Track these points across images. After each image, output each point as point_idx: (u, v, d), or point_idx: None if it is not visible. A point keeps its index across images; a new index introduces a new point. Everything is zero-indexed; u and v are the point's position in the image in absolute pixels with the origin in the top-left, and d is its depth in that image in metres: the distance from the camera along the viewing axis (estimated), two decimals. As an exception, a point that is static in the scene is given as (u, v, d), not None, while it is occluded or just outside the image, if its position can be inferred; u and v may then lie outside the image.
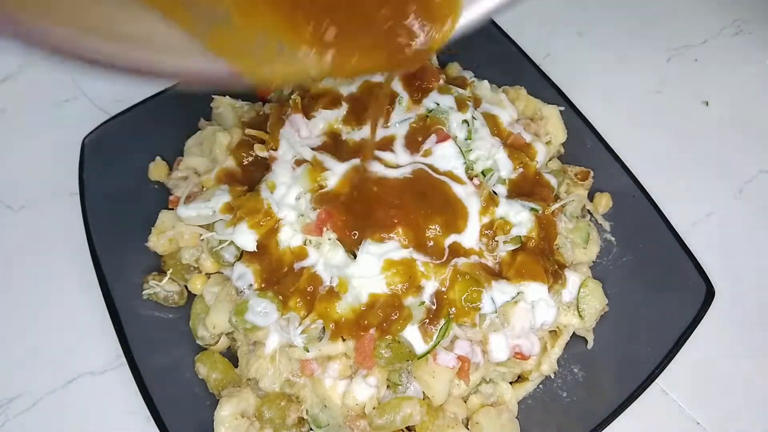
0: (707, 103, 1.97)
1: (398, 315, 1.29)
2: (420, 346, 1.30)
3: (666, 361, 1.39)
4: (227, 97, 1.69)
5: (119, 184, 1.58)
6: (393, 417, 1.28)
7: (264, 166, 1.50)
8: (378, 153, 1.47)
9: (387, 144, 1.50)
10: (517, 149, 1.55)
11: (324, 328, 1.30)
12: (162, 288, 1.47)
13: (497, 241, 1.40)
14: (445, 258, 1.36)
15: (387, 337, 1.29)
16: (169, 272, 1.48)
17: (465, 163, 1.48)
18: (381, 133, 1.53)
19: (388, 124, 1.53)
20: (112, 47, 0.75)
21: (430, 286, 1.34)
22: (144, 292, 1.47)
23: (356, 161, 1.45)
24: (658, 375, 1.38)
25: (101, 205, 1.52)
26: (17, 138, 1.85)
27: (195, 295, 1.50)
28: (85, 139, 1.58)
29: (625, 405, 1.36)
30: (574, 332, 1.48)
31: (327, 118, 1.53)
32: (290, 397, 1.36)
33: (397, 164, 1.47)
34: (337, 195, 1.40)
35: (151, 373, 1.35)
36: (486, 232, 1.41)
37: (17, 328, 1.59)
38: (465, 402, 1.40)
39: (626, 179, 1.59)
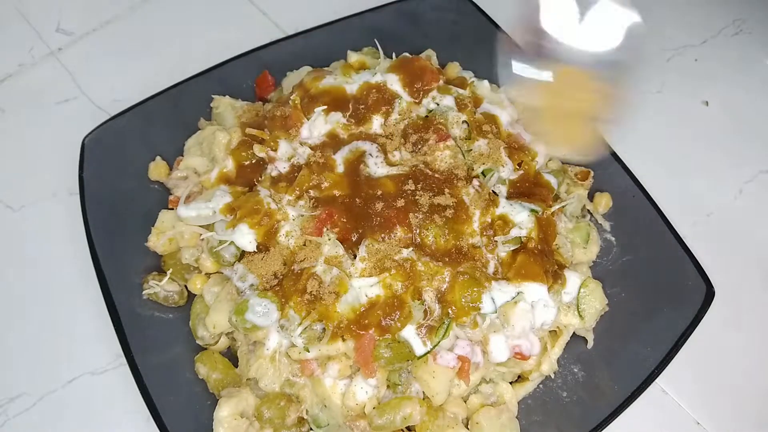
0: (707, 103, 1.97)
1: (398, 315, 1.29)
2: (420, 346, 1.30)
3: (666, 361, 1.39)
4: (227, 96, 1.69)
5: (119, 183, 1.58)
6: (393, 417, 1.28)
7: (263, 166, 1.51)
8: (377, 150, 1.47)
9: (387, 143, 1.50)
10: (517, 149, 1.56)
11: (324, 328, 1.30)
12: (162, 288, 1.47)
13: (497, 242, 1.40)
14: (444, 258, 1.36)
15: (386, 336, 1.29)
16: (169, 272, 1.48)
17: (465, 163, 1.48)
18: (381, 132, 1.53)
19: (388, 123, 1.53)
20: None
21: (430, 287, 1.34)
22: (144, 292, 1.47)
23: (358, 143, 1.45)
24: (658, 375, 1.38)
25: (101, 205, 1.52)
26: (17, 138, 1.85)
27: (195, 295, 1.50)
28: (85, 138, 1.58)
29: (625, 405, 1.36)
30: (574, 332, 1.48)
31: (330, 121, 1.53)
32: (290, 397, 1.36)
33: (396, 162, 1.47)
34: (337, 196, 1.40)
35: (150, 373, 1.35)
36: (486, 232, 1.41)
37: (17, 328, 1.59)
38: (465, 402, 1.40)
39: (626, 179, 1.59)
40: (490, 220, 1.42)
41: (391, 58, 1.70)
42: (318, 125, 1.53)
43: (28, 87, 1.94)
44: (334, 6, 1.94)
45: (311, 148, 1.49)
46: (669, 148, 1.88)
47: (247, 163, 1.52)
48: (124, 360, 1.37)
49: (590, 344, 1.48)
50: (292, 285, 1.32)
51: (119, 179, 1.59)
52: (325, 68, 1.71)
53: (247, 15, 2.10)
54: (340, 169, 1.46)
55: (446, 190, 1.41)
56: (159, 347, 1.42)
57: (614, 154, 1.62)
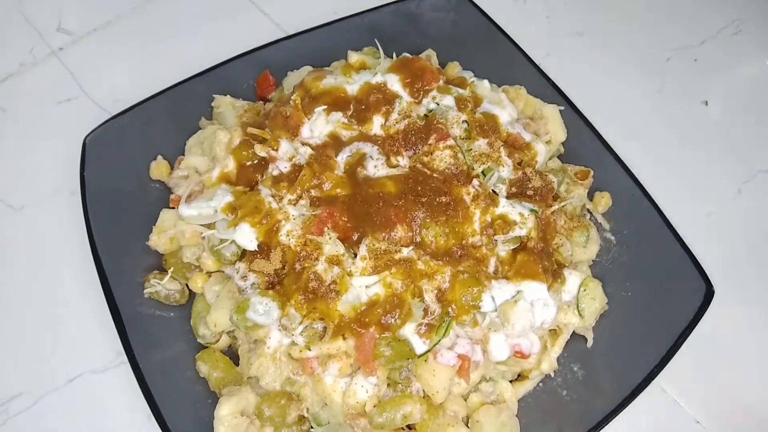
0: (707, 103, 1.97)
1: (398, 313, 1.29)
2: (420, 344, 1.30)
3: (665, 360, 1.39)
4: (228, 96, 1.70)
5: (120, 183, 1.58)
6: (393, 415, 1.29)
7: (264, 165, 1.51)
8: (378, 153, 1.47)
9: (387, 143, 1.51)
10: (517, 149, 1.56)
11: (325, 326, 1.30)
12: (163, 286, 1.47)
13: (497, 241, 1.41)
14: (445, 257, 1.36)
15: (387, 335, 1.29)
16: (170, 271, 1.48)
17: (465, 162, 1.48)
18: (381, 132, 1.53)
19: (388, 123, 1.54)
20: None
21: (430, 285, 1.34)
22: (145, 291, 1.47)
23: (359, 145, 1.46)
24: (658, 374, 1.38)
25: (102, 204, 1.53)
26: (18, 137, 1.86)
27: (196, 293, 1.50)
28: (86, 138, 1.58)
29: (624, 404, 1.36)
30: (574, 331, 1.48)
31: (331, 121, 1.53)
32: (291, 396, 1.36)
33: (396, 164, 1.47)
34: (338, 195, 1.41)
35: (151, 372, 1.36)
36: (486, 231, 1.41)
37: (18, 327, 1.59)
38: (465, 400, 1.40)
39: (626, 179, 1.59)
40: (490, 220, 1.42)
41: (392, 58, 1.70)
42: (319, 125, 1.53)
43: (29, 86, 1.95)
44: (335, 6, 1.95)
45: (312, 147, 1.49)
46: (669, 147, 1.88)
47: (248, 162, 1.52)
48: (125, 358, 1.37)
49: (590, 343, 1.48)
50: (293, 284, 1.33)
51: (120, 178, 1.59)
52: (326, 68, 1.71)
53: (248, 15, 2.10)
54: (341, 170, 1.46)
55: (446, 190, 1.41)
56: (160, 345, 1.43)
57: (614, 154, 1.62)
